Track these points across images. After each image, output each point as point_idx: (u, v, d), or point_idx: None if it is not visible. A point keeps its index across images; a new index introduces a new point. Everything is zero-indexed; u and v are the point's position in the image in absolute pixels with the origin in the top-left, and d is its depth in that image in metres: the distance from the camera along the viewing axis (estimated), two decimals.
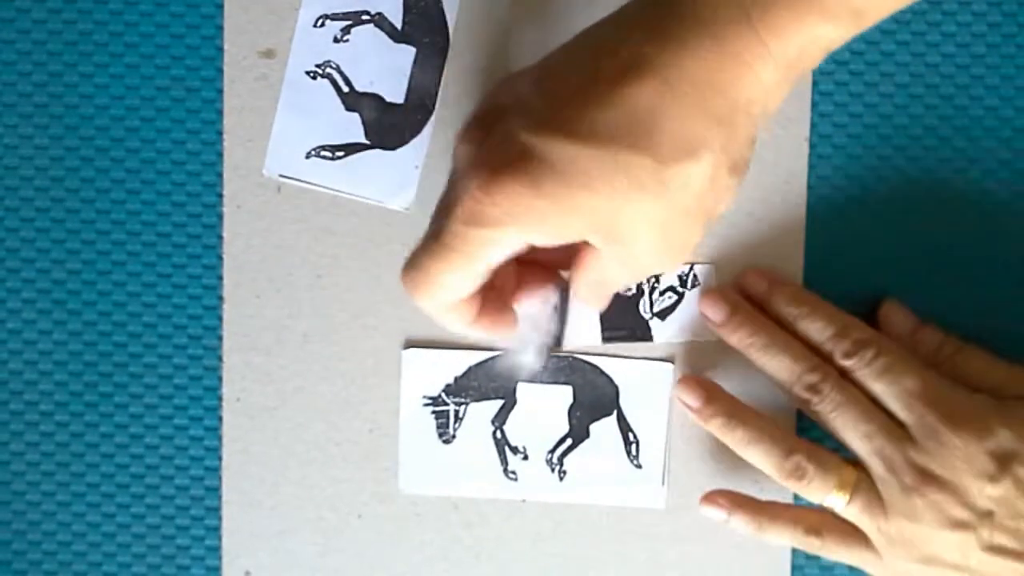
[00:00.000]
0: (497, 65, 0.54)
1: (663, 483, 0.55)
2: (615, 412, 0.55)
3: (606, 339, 0.54)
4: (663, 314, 0.54)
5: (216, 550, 0.55)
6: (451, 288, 0.43)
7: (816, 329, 0.52)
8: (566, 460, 0.55)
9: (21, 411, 0.56)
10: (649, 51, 0.40)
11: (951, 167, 0.55)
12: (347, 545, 0.55)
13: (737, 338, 0.52)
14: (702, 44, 0.40)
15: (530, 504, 0.55)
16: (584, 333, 0.54)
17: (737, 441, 0.52)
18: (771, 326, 0.52)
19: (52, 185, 0.55)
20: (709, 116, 0.40)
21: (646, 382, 0.55)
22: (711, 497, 0.54)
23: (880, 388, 0.51)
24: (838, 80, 0.54)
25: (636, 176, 0.40)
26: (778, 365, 0.52)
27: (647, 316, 0.54)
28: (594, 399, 0.55)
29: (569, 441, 0.55)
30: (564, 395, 0.55)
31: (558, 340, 0.48)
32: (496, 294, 0.46)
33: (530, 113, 0.41)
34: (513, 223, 0.41)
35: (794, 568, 0.55)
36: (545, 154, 0.40)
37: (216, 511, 0.55)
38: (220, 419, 0.55)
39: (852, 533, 0.52)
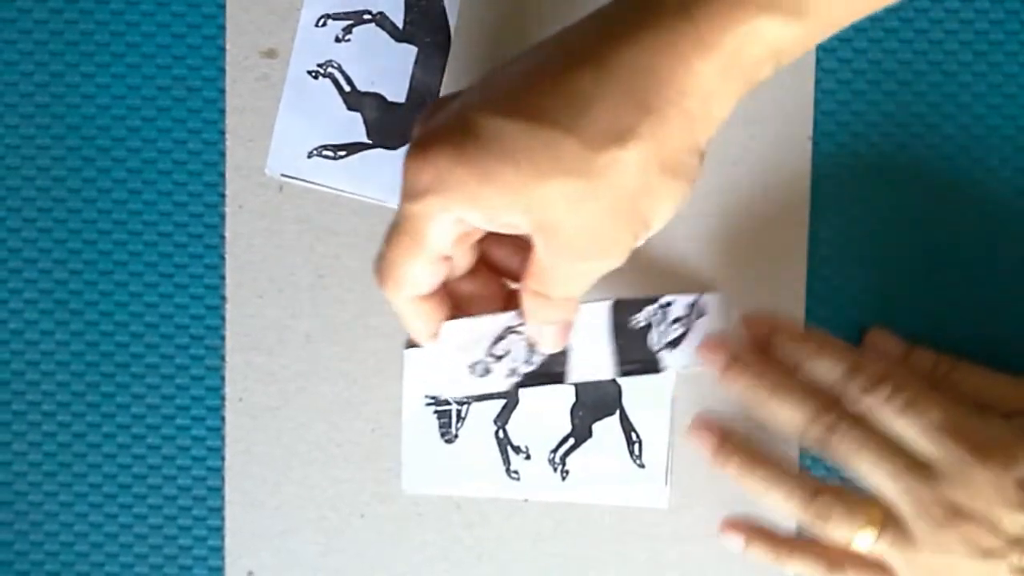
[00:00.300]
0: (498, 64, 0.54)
1: (666, 483, 0.55)
2: (618, 412, 0.55)
3: (622, 373, 0.53)
4: (673, 345, 0.54)
5: (219, 550, 0.55)
6: (409, 276, 0.44)
7: (825, 368, 0.50)
8: (569, 460, 0.55)
9: (23, 411, 0.56)
10: (593, 40, 0.41)
11: (955, 168, 0.55)
12: (349, 545, 0.55)
13: (741, 386, 0.51)
14: (641, 33, 0.40)
15: (532, 504, 0.55)
16: (598, 368, 0.54)
17: (758, 483, 0.51)
18: (775, 371, 0.50)
19: (54, 185, 0.55)
20: (640, 104, 0.40)
21: (649, 382, 0.55)
22: (730, 525, 0.53)
23: (903, 424, 0.49)
24: (840, 79, 0.54)
25: (561, 157, 0.40)
26: (788, 410, 0.50)
27: (657, 348, 0.54)
28: (597, 399, 0.55)
29: (572, 441, 0.55)
30: (567, 395, 0.55)
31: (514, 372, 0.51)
32: (462, 312, 0.47)
33: (471, 93, 0.42)
34: (442, 192, 0.41)
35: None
36: (472, 124, 0.40)
37: (219, 511, 0.55)
38: (222, 419, 0.55)
39: (875, 567, 0.50)
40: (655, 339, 0.54)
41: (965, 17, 0.54)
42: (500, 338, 0.53)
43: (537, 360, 0.53)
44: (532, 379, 0.53)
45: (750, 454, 0.52)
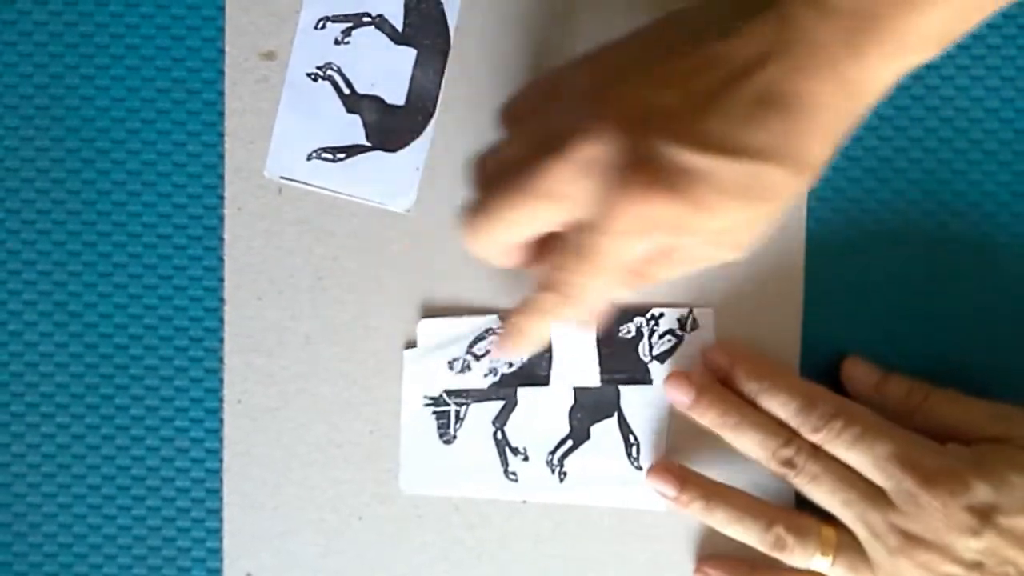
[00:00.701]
0: (499, 67, 0.55)
1: None
2: (616, 414, 0.55)
3: (605, 381, 0.55)
4: (662, 357, 0.55)
5: (217, 552, 0.55)
6: (602, 290, 0.47)
7: (779, 405, 0.52)
8: (567, 461, 0.55)
9: (22, 413, 0.56)
10: (776, 74, 0.43)
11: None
12: (349, 546, 0.55)
13: (708, 420, 0.53)
14: (822, 72, 0.43)
15: (531, 505, 0.55)
16: (583, 373, 0.55)
17: (719, 522, 0.53)
18: (739, 404, 0.52)
19: (53, 187, 0.55)
20: (826, 136, 0.44)
21: (647, 384, 0.55)
22: (702, 568, 0.55)
23: (854, 458, 0.50)
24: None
25: (769, 186, 0.44)
26: (751, 443, 0.52)
27: (647, 359, 0.55)
28: (595, 401, 0.55)
29: (570, 442, 0.55)
30: (565, 397, 0.55)
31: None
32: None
33: (676, 130, 0.44)
34: (650, 230, 0.44)
35: None
36: (696, 171, 0.43)
37: (217, 513, 0.55)
38: (221, 421, 0.55)
39: None
40: (645, 350, 0.54)
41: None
42: (480, 338, 0.54)
43: (517, 362, 0.54)
44: (513, 380, 0.54)
45: (707, 495, 0.53)
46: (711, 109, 0.44)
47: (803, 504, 0.53)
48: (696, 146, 0.43)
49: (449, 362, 0.55)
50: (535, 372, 0.55)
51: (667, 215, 0.44)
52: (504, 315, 0.54)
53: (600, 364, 0.55)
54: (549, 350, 0.54)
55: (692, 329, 0.54)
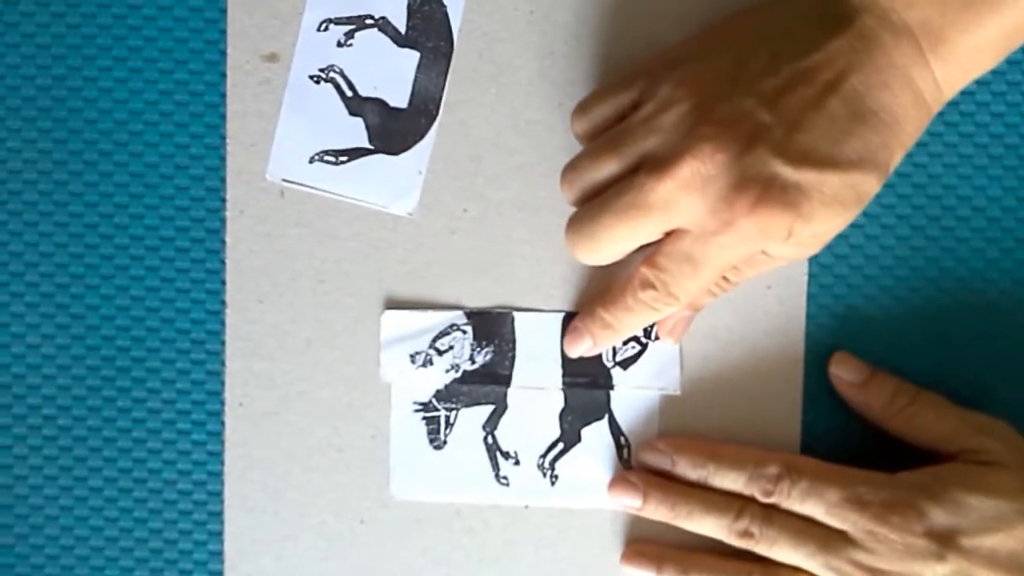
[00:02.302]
0: (502, 70, 0.54)
1: None
2: (606, 416, 0.55)
3: (567, 384, 0.55)
4: (625, 364, 0.55)
5: (218, 555, 0.55)
6: (698, 292, 0.50)
7: (729, 481, 0.53)
8: (558, 464, 0.55)
9: (23, 415, 0.56)
10: (860, 88, 0.47)
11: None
12: (349, 550, 0.55)
13: (660, 516, 0.53)
14: (899, 85, 0.47)
15: (532, 510, 0.55)
16: (545, 375, 0.55)
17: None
18: (685, 493, 0.53)
19: (55, 189, 0.55)
20: (907, 145, 0.48)
21: (636, 383, 0.55)
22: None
23: (808, 509, 0.51)
24: None
25: (863, 193, 0.48)
26: (706, 527, 0.52)
27: (609, 365, 0.55)
28: (585, 403, 0.55)
29: (561, 445, 0.55)
30: (555, 399, 0.55)
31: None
32: None
33: (779, 146, 0.46)
34: (762, 241, 0.48)
35: None
36: (802, 186, 0.46)
37: (218, 516, 0.55)
38: (222, 424, 0.55)
39: None
40: (608, 355, 0.55)
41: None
42: (444, 333, 0.54)
43: (480, 360, 0.54)
44: (473, 378, 0.55)
45: (685, 568, 0.54)
46: (807, 124, 0.46)
47: None
48: (801, 161, 0.46)
49: (411, 355, 0.55)
50: (497, 372, 0.55)
51: (777, 227, 0.47)
52: (468, 312, 0.54)
53: (563, 367, 0.55)
54: (513, 349, 0.55)
55: (656, 338, 0.55)
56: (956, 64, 0.48)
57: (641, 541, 0.55)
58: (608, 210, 0.48)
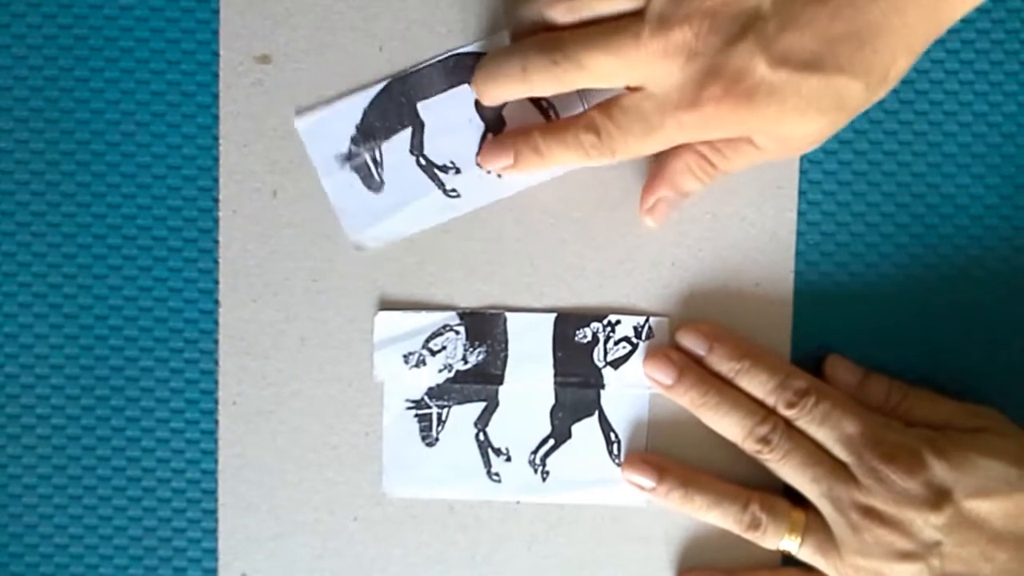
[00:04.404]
0: None
1: None
2: (596, 412, 0.56)
3: (558, 384, 0.55)
4: (616, 364, 0.55)
5: (213, 552, 0.56)
6: (636, 156, 0.50)
7: (758, 383, 0.53)
8: (549, 461, 0.56)
9: (17, 414, 0.56)
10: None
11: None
12: (343, 548, 0.56)
13: (687, 400, 0.54)
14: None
15: (525, 506, 0.56)
16: (537, 375, 0.55)
17: (697, 508, 0.54)
18: (718, 384, 0.53)
19: (48, 190, 0.55)
20: (908, 49, 0.46)
21: (627, 383, 0.55)
22: None
23: (821, 434, 0.52)
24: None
25: (844, 99, 0.47)
26: (729, 422, 0.53)
27: (600, 364, 0.55)
28: (576, 400, 0.55)
29: (551, 442, 0.56)
30: (546, 396, 0.56)
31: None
32: None
33: (764, 40, 0.46)
34: (723, 131, 0.48)
35: (784, 561, 0.55)
36: (776, 87, 0.46)
37: (212, 514, 0.56)
38: (216, 423, 0.55)
39: None
40: (599, 355, 0.55)
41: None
42: (437, 333, 0.54)
43: (473, 360, 0.55)
44: (466, 378, 0.55)
45: (685, 482, 0.54)
46: (804, 20, 0.45)
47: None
48: (781, 61, 0.46)
49: (404, 356, 0.55)
50: (489, 371, 0.55)
51: (737, 121, 0.47)
52: (461, 312, 0.55)
53: (554, 367, 0.55)
54: (505, 349, 0.55)
55: (647, 338, 0.55)
56: None
57: (642, 459, 0.55)
58: (596, 44, 0.48)
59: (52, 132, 0.55)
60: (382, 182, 0.55)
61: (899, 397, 0.54)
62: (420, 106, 0.54)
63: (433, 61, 0.54)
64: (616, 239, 0.55)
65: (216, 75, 0.55)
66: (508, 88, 0.51)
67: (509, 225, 0.55)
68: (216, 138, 0.55)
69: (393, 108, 0.54)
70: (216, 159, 0.55)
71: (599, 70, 0.48)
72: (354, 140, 0.55)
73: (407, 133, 0.54)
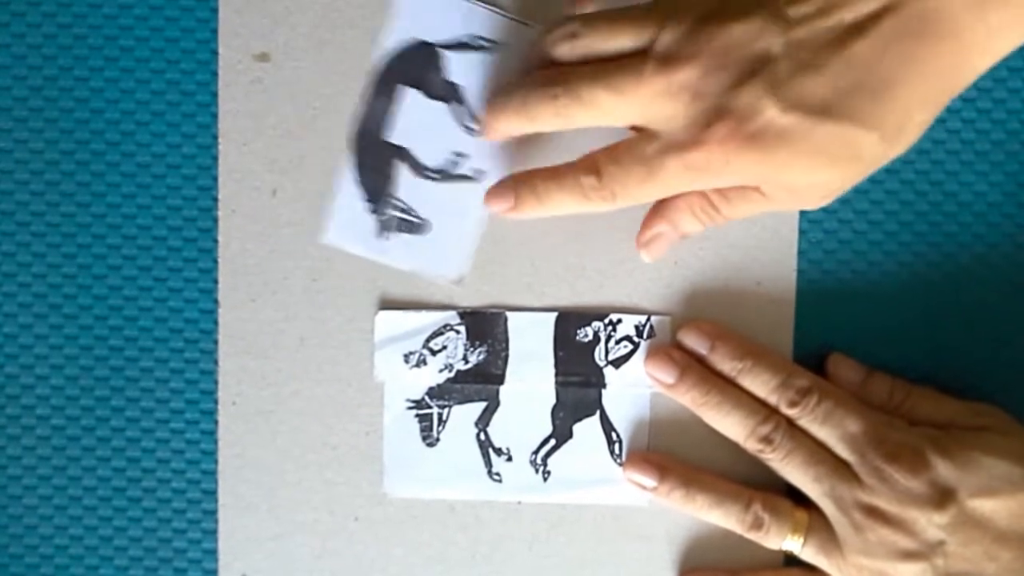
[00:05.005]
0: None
1: None
2: (598, 412, 0.55)
3: (559, 383, 0.55)
4: (617, 363, 0.55)
5: (213, 553, 0.56)
6: (637, 202, 0.49)
7: (760, 382, 0.53)
8: (550, 460, 0.56)
9: (17, 415, 0.56)
10: (889, 35, 0.43)
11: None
12: (343, 548, 0.56)
13: (689, 399, 0.53)
14: (938, 35, 0.44)
15: (526, 506, 0.56)
16: (538, 374, 0.55)
17: (699, 508, 0.54)
18: (720, 384, 0.53)
19: (47, 189, 0.55)
20: (928, 109, 0.45)
21: (628, 382, 0.55)
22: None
23: (824, 433, 0.52)
24: None
25: (858, 150, 0.45)
26: (731, 422, 0.53)
27: (602, 364, 0.55)
28: (577, 400, 0.55)
29: (553, 442, 0.56)
30: (547, 396, 0.55)
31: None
32: None
33: (775, 83, 0.44)
34: (729, 177, 0.46)
35: (787, 561, 0.55)
36: (785, 132, 0.44)
37: (212, 514, 0.56)
38: (216, 423, 0.55)
39: None
40: (600, 354, 0.55)
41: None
42: (438, 333, 0.54)
43: (473, 360, 0.55)
44: (467, 378, 0.55)
45: (687, 481, 0.54)
46: (814, 66, 0.44)
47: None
48: (792, 105, 0.44)
49: (405, 355, 0.55)
50: (490, 371, 0.55)
51: (744, 166, 0.45)
52: (462, 311, 0.55)
53: (556, 366, 0.55)
54: (506, 348, 0.55)
55: (649, 337, 0.55)
56: (1016, 15, 0.43)
57: (644, 458, 0.55)
58: (602, 82, 0.47)
59: (51, 131, 0.55)
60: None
61: (902, 396, 0.54)
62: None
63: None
64: (617, 238, 0.54)
65: (215, 74, 0.55)
66: (510, 123, 0.50)
67: (509, 225, 0.55)
68: (215, 137, 0.55)
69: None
70: (215, 158, 0.55)
71: (600, 107, 0.47)
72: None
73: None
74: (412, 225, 0.54)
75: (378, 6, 0.54)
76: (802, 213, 0.55)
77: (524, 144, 0.54)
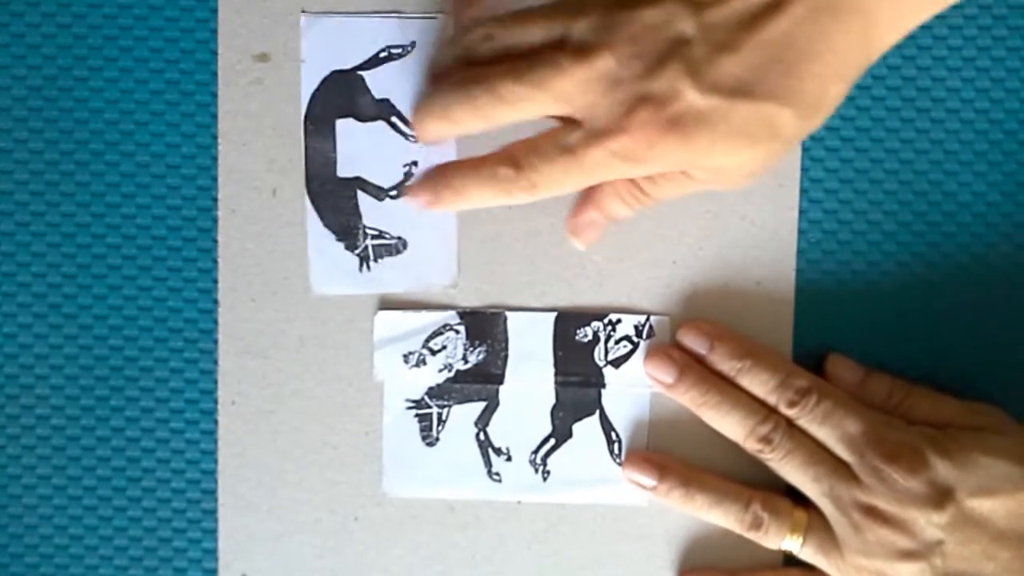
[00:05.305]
0: None
1: None
2: (597, 412, 0.56)
3: (559, 383, 0.55)
4: (617, 363, 0.55)
5: (213, 553, 0.56)
6: (559, 191, 0.48)
7: (759, 382, 0.53)
8: (549, 460, 0.56)
9: (17, 415, 0.56)
10: (801, 13, 0.44)
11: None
12: (343, 547, 0.56)
13: (688, 398, 0.53)
14: (848, 13, 0.44)
15: (526, 505, 0.56)
16: (538, 374, 0.55)
17: (698, 507, 0.54)
18: (719, 383, 0.53)
19: (46, 190, 0.55)
20: (838, 75, 0.45)
21: (628, 382, 0.55)
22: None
23: (823, 433, 0.52)
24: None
25: (776, 127, 0.45)
26: (730, 421, 0.53)
27: (601, 364, 0.55)
28: (576, 399, 0.55)
29: (552, 441, 0.56)
30: (547, 396, 0.55)
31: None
32: None
33: (691, 67, 0.44)
34: (653, 163, 0.46)
35: (786, 561, 0.55)
36: (704, 114, 0.45)
37: (212, 514, 0.56)
38: (216, 423, 0.55)
39: None
40: (600, 354, 0.55)
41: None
42: (438, 333, 0.54)
43: (473, 360, 0.55)
44: (466, 377, 0.55)
45: (686, 481, 0.54)
46: (729, 47, 0.44)
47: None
48: (710, 87, 0.44)
49: (404, 355, 0.55)
50: (490, 371, 0.55)
51: (664, 149, 0.45)
52: (461, 311, 0.55)
53: (555, 366, 0.55)
54: (505, 348, 0.55)
55: (648, 336, 0.55)
56: None
57: (643, 457, 0.55)
58: (520, 78, 0.46)
59: (51, 131, 0.55)
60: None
61: (901, 396, 0.54)
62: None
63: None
64: (616, 238, 0.54)
65: (215, 74, 0.55)
66: (436, 130, 0.50)
67: (509, 224, 0.55)
68: (215, 137, 0.55)
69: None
70: (215, 158, 0.55)
71: (521, 103, 0.47)
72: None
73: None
74: (390, 247, 0.54)
75: (379, 6, 0.54)
76: (801, 213, 0.55)
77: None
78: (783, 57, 0.44)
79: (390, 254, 0.54)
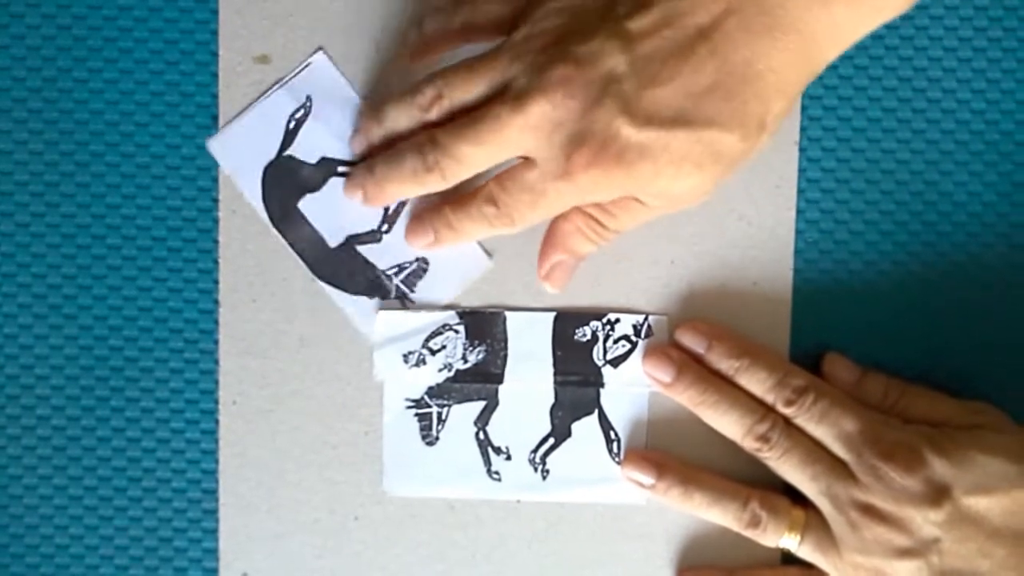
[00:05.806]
0: None
1: None
2: (596, 411, 0.56)
3: (558, 383, 0.55)
4: (616, 362, 0.55)
5: (213, 552, 0.56)
6: (537, 222, 0.50)
7: (757, 381, 0.53)
8: (549, 459, 0.56)
9: (17, 415, 0.56)
10: (732, 36, 0.45)
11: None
12: (343, 547, 0.56)
13: (686, 397, 0.54)
14: (782, 31, 0.45)
15: (526, 504, 0.56)
16: (537, 374, 0.55)
17: (697, 505, 0.54)
18: (717, 382, 0.53)
19: (47, 190, 0.55)
20: (780, 92, 0.46)
21: (627, 381, 0.55)
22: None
23: (820, 432, 0.52)
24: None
25: (720, 152, 0.46)
26: (728, 420, 0.53)
27: (600, 363, 0.55)
28: (575, 399, 0.56)
29: (551, 440, 0.56)
30: (546, 395, 0.56)
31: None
32: None
33: (627, 99, 0.45)
34: (607, 193, 0.48)
35: (784, 559, 0.55)
36: (644, 147, 0.45)
37: (213, 514, 0.56)
38: (216, 422, 0.56)
39: None
40: (599, 354, 0.55)
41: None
42: (437, 333, 0.54)
43: (472, 360, 0.55)
44: (466, 377, 0.55)
45: (684, 480, 0.54)
46: (665, 76, 0.45)
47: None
48: (646, 121, 0.45)
49: (404, 355, 0.55)
50: (489, 371, 0.55)
51: (612, 185, 0.47)
52: (461, 311, 0.55)
53: (554, 365, 0.55)
54: (505, 348, 0.55)
55: (646, 336, 0.55)
56: (860, 3, 0.45)
57: (642, 456, 0.55)
58: (464, 137, 0.48)
59: (51, 132, 0.55)
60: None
61: (897, 395, 0.54)
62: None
63: None
64: (615, 238, 0.55)
65: (215, 75, 0.55)
66: (398, 194, 0.52)
67: None
68: None
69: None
70: (215, 158, 0.55)
71: (475, 160, 0.48)
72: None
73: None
74: (417, 272, 0.55)
75: (378, 6, 0.54)
76: (799, 213, 0.55)
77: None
78: (722, 82, 0.45)
79: (420, 277, 0.55)
